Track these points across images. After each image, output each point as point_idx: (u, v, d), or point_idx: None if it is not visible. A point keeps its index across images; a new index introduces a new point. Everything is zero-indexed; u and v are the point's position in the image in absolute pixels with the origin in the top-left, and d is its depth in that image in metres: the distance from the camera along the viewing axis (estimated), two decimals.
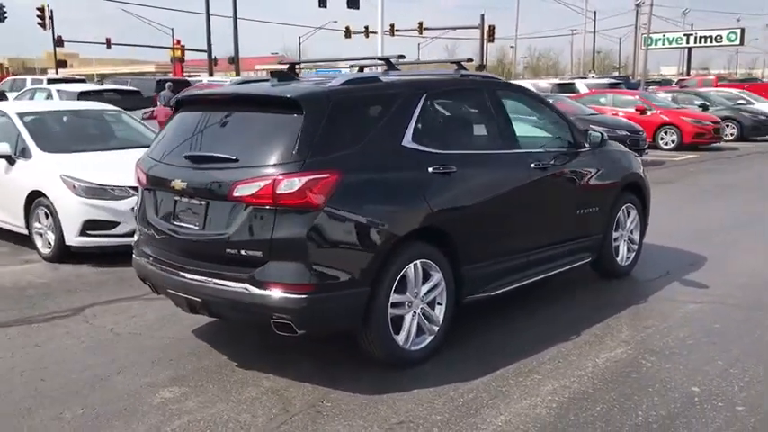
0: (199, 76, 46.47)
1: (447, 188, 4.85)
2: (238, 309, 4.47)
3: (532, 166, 5.60)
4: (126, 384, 4.55)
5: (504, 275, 5.39)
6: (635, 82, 40.72)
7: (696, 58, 63.93)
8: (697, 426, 3.91)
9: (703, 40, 58.94)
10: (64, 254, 7.66)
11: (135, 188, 7.27)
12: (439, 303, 4.88)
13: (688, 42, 58.88)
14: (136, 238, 5.29)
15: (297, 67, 5.82)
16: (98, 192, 7.56)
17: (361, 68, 6.41)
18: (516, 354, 4.93)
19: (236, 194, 4.34)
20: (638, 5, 66.74)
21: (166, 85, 20.92)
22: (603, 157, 6.48)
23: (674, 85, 41.67)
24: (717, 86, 33.69)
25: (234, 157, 4.46)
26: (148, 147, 5.42)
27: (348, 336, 4.66)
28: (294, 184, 4.20)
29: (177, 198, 4.76)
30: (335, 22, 58.89)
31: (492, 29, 50.50)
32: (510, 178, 5.44)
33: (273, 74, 5.37)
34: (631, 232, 6.91)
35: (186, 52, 50.97)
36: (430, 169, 4.75)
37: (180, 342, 5.27)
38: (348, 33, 56.93)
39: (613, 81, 28.21)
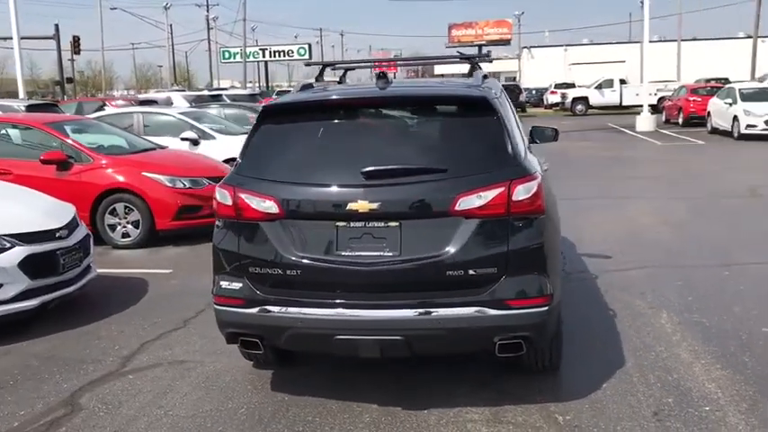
0: None
1: None
2: (463, 337, 3.92)
3: None
4: None
5: None
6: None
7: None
8: None
9: (277, 54, 63.66)
10: None
11: (12, 236, 5.56)
12: None
13: (264, 56, 62.88)
14: (237, 286, 4.13)
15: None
16: None
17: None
18: None
19: (459, 208, 3.83)
20: (214, 19, 68.81)
21: None
22: None
23: (274, 96, 44.10)
24: None
25: (443, 167, 3.91)
26: None
27: None
28: (530, 187, 3.91)
29: (344, 224, 3.92)
30: None
31: (77, 40, 46.66)
32: None
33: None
34: None
35: None
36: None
37: None
38: None
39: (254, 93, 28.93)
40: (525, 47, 70.66)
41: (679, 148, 20.96)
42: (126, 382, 4.80)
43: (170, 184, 8.93)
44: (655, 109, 28.87)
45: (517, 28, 77.06)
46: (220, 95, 27.05)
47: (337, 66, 5.14)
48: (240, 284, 4.11)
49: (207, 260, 7.89)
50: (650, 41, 31.24)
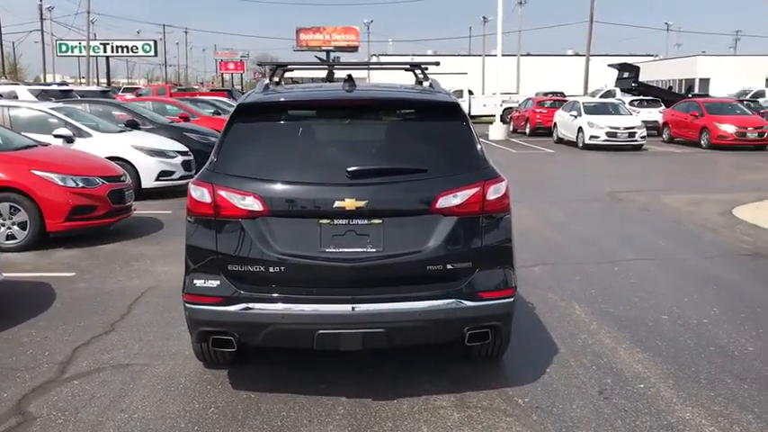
0: None
1: None
2: (439, 327, 4.16)
3: None
4: None
5: None
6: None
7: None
8: None
9: (120, 50, 60.71)
10: None
11: None
12: None
13: (105, 51, 59.74)
14: (214, 284, 4.11)
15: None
16: None
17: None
18: None
19: (439, 206, 4.07)
20: (49, 9, 64.24)
21: None
22: None
23: (120, 93, 42.05)
24: (171, 95, 35.65)
25: (424, 168, 4.12)
26: None
27: None
28: (500, 188, 4.23)
29: (327, 221, 4.03)
30: None
31: None
32: None
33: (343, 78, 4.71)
34: None
35: None
36: None
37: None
38: None
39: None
40: (374, 54, 72.37)
41: (533, 156, 22.46)
42: (73, 387, 4.58)
43: (62, 183, 8.43)
44: (501, 119, 30.71)
45: (366, 36, 78.77)
46: (70, 91, 25.41)
47: (290, 67, 5.19)
48: (217, 282, 4.10)
49: (109, 262, 7.76)
50: (488, 55, 33.25)
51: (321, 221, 4.03)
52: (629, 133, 23.15)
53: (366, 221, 4.04)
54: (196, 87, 57.86)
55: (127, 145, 12.09)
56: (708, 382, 4.68)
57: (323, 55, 58.09)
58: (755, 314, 6.14)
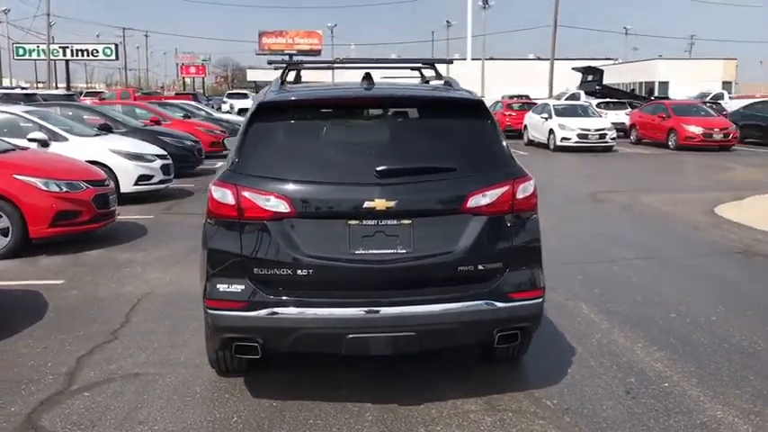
0: None
1: None
2: (471, 330, 4.06)
3: None
4: None
5: None
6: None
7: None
8: None
9: (81, 53, 59.45)
10: None
11: None
12: None
13: (65, 55, 58.44)
14: (238, 288, 3.95)
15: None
16: None
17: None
18: None
19: (470, 205, 3.98)
20: (5, 12, 62.70)
21: None
22: None
23: (82, 97, 41.19)
24: (135, 99, 35.01)
25: (453, 167, 4.03)
26: None
27: None
28: (529, 187, 4.16)
29: (356, 222, 3.90)
30: None
31: None
32: None
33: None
34: None
35: None
36: None
37: None
38: None
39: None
40: (338, 58, 72.10)
41: None
42: (85, 399, 4.38)
43: (45, 188, 8.13)
44: None
45: (330, 39, 78.55)
46: (34, 95, 24.81)
47: (302, 65, 5.06)
48: (242, 286, 3.94)
49: (97, 269, 7.51)
50: (455, 59, 33.39)
51: (350, 222, 3.91)
52: (600, 135, 23.43)
53: (396, 222, 3.93)
54: (160, 91, 57.00)
55: (104, 149, 11.77)
56: (730, 379, 4.67)
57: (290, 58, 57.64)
58: (761, 311, 6.18)
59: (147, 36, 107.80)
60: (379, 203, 3.85)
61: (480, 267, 4.01)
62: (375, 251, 3.90)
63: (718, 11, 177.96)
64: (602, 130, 23.64)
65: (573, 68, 39.07)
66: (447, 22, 73.66)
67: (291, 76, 5.07)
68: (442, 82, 4.93)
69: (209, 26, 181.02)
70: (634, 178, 17.08)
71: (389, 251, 3.91)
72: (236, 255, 3.93)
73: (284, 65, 4.98)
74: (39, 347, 5.25)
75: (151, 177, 12.10)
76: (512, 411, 4.23)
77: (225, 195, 3.94)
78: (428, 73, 5.59)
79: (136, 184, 11.83)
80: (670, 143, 24.40)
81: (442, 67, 5.28)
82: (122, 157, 11.77)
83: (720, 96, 41.73)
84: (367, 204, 3.85)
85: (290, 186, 3.90)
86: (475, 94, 4.49)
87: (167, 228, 10.02)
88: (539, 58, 65.80)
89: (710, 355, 5.10)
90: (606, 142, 23.48)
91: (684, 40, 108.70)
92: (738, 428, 4.02)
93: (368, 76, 4.46)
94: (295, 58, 59.75)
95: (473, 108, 4.32)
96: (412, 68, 5.71)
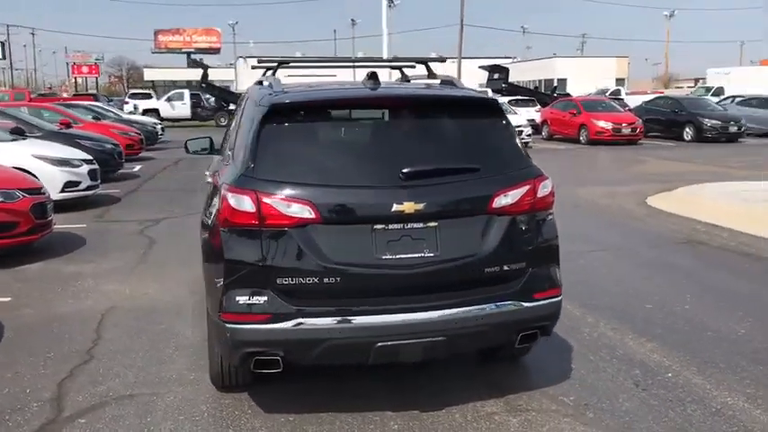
0: None
1: None
2: (498, 331, 4.01)
3: None
4: None
5: None
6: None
7: None
8: None
9: None
10: None
11: None
12: None
13: None
14: (261, 300, 3.73)
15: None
16: None
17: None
18: None
19: (495, 205, 3.92)
20: None
21: None
22: None
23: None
24: (30, 101, 33.05)
25: (477, 167, 3.95)
26: None
27: None
28: (548, 186, 4.15)
29: (382, 226, 3.76)
30: None
31: None
32: None
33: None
34: None
35: None
36: None
37: None
38: None
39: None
40: (241, 56, 70.77)
41: None
42: (83, 427, 4.04)
43: None
44: None
45: (231, 37, 76.97)
46: None
47: (292, 64, 4.85)
48: (264, 298, 3.73)
49: (44, 284, 7.00)
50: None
51: (375, 227, 3.77)
52: (517, 131, 23.94)
53: (422, 225, 3.82)
54: (52, 92, 54.10)
55: (27, 154, 11.01)
56: (727, 366, 4.83)
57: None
58: (725, 298, 6.45)
59: (33, 34, 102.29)
60: (408, 206, 3.73)
61: (506, 268, 3.96)
62: (402, 255, 3.78)
63: (606, 11, 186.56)
64: (519, 127, 24.18)
65: (480, 67, 39.85)
66: (352, 20, 73.67)
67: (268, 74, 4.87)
68: (438, 81, 4.85)
69: (101, 24, 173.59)
70: (559, 173, 17.51)
71: (416, 255, 3.80)
72: (258, 265, 3.72)
73: (275, 64, 4.77)
74: (9, 373, 4.81)
75: (78, 184, 11.42)
76: (534, 411, 4.21)
77: (243, 202, 3.72)
78: (410, 72, 5.53)
79: (62, 191, 11.11)
80: (581, 138, 25.31)
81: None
82: (47, 163, 11.04)
83: (618, 92, 43.73)
84: (395, 208, 3.73)
85: (314, 191, 3.72)
86: (487, 93, 4.44)
87: (105, 237, 9.48)
88: (441, 58, 66.63)
89: (700, 343, 5.27)
90: (523, 139, 24.04)
91: (577, 38, 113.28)
92: (752, 413, 4.15)
93: (373, 76, 4.32)
94: (193, 57, 57.74)
95: (488, 107, 4.27)
96: (392, 67, 5.63)
